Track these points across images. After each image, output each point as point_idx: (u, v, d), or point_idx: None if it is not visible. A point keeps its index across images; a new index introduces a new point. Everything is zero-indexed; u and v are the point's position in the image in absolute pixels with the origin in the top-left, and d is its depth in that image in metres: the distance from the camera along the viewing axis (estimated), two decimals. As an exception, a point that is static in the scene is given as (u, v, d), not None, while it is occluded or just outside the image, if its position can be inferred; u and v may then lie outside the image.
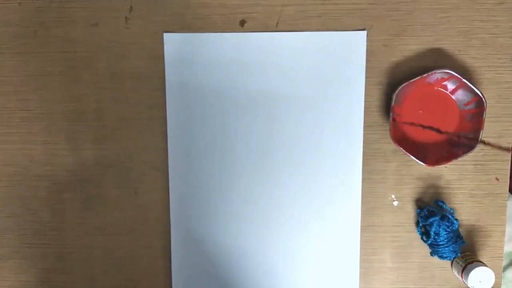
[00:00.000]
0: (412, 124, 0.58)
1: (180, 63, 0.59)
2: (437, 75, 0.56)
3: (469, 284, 0.56)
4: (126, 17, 0.59)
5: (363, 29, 0.58)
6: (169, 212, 0.61)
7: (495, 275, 0.56)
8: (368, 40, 0.58)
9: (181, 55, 0.58)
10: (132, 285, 0.63)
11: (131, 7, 0.58)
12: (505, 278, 0.80)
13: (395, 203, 0.61)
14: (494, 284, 0.56)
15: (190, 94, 0.59)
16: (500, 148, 0.50)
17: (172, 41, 0.58)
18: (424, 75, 0.56)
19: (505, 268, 0.81)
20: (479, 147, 0.57)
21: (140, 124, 0.60)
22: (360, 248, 0.61)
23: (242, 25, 0.58)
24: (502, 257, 0.61)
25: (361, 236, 0.61)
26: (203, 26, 0.58)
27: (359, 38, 0.58)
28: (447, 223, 0.58)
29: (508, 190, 0.60)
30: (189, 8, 0.58)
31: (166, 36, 0.58)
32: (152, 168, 0.61)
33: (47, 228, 0.63)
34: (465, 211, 0.61)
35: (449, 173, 0.60)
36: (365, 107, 0.59)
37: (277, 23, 0.58)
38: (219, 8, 0.58)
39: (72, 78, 0.60)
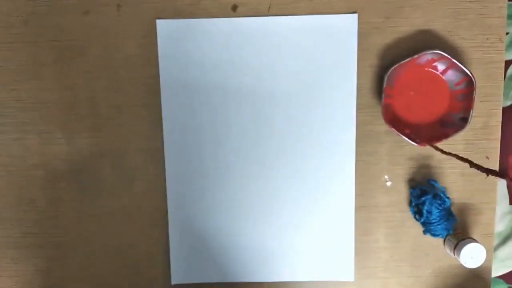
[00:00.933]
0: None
1: (174, 50, 0.59)
2: (427, 56, 0.57)
3: (461, 261, 0.58)
4: (118, 5, 0.59)
5: (354, 12, 0.58)
6: (166, 200, 0.62)
7: (486, 251, 0.58)
8: (359, 23, 0.58)
9: (174, 41, 0.59)
10: (131, 272, 0.64)
11: (122, -6, 0.58)
12: (496, 257, 0.82)
13: (388, 183, 0.62)
14: (485, 260, 0.58)
15: (184, 81, 0.60)
16: (488, 171, 0.52)
17: (165, 28, 0.58)
18: (415, 56, 0.57)
19: (497, 247, 0.83)
20: (470, 126, 0.58)
21: (135, 112, 0.61)
22: (355, 228, 0.62)
23: (234, 10, 0.59)
24: (492, 234, 0.63)
25: (355, 216, 0.62)
26: (195, 12, 0.59)
27: (351, 21, 0.58)
28: (439, 201, 0.59)
29: (498, 167, 0.62)
30: (181, -6, 0.58)
31: (159, 22, 0.58)
32: (148, 156, 0.61)
33: (44, 217, 0.63)
34: (456, 189, 0.62)
35: (440, 153, 0.61)
36: (357, 90, 0.60)
37: (269, 7, 0.58)
38: (211, -6, 0.58)
39: (64, 67, 0.60)
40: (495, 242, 0.80)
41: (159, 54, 0.59)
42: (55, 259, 0.64)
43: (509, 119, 0.72)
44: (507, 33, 0.76)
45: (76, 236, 0.63)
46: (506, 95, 0.80)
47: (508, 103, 0.81)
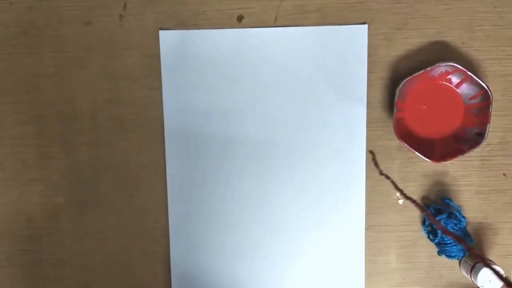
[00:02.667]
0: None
1: (177, 61, 0.57)
2: (441, 68, 0.55)
3: (479, 284, 0.55)
4: (120, 15, 0.57)
5: (364, 23, 0.56)
6: (167, 216, 0.59)
7: (505, 273, 0.55)
8: (369, 34, 0.56)
9: (177, 53, 0.57)
10: (131, 291, 0.61)
11: (125, 4, 0.57)
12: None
13: (400, 201, 0.59)
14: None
15: (187, 93, 0.58)
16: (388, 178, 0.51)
17: (168, 39, 0.57)
18: (428, 68, 0.54)
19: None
20: (486, 142, 0.55)
21: (136, 125, 0.59)
22: (365, 249, 0.59)
23: (239, 21, 0.57)
24: (511, 255, 0.59)
25: (365, 236, 0.59)
26: (199, 22, 0.57)
27: (360, 32, 0.56)
28: (454, 221, 0.56)
29: (516, 185, 0.59)
30: (185, 4, 0.57)
31: (162, 33, 0.57)
32: (149, 171, 0.59)
33: (42, 233, 0.61)
34: (472, 208, 0.59)
35: (455, 169, 0.58)
36: (367, 103, 0.57)
37: (276, 18, 0.57)
38: (216, 4, 0.56)
39: (65, 78, 0.58)
40: None
41: (161, 66, 0.57)
42: (52, 277, 0.61)
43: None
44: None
45: (75, 253, 0.61)
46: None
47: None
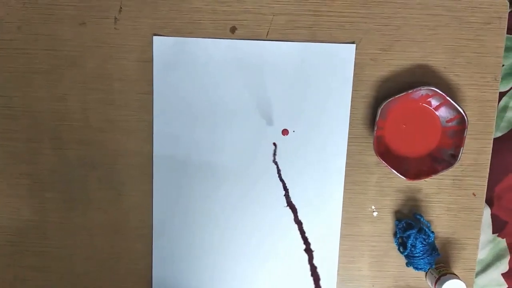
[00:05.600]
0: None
1: (169, 67, 0.58)
2: (422, 91, 0.57)
3: (442, 295, 0.58)
4: (115, 18, 0.58)
5: (353, 43, 0.58)
6: (152, 216, 0.62)
7: (467, 287, 0.58)
8: (356, 54, 0.58)
9: (170, 59, 0.58)
10: (114, 285, 0.63)
11: (121, 8, 0.58)
12: (476, 284, 0.83)
13: (375, 213, 0.62)
14: (465, 295, 0.58)
15: (178, 99, 0.59)
16: None
17: (162, 45, 0.58)
18: (410, 91, 0.57)
19: (477, 274, 0.84)
20: (459, 163, 0.58)
21: (126, 126, 0.60)
22: (339, 256, 0.63)
23: (232, 32, 0.58)
24: (474, 269, 0.63)
25: (340, 244, 0.62)
26: (193, 31, 0.58)
27: (348, 51, 0.58)
28: (423, 236, 0.59)
29: (483, 205, 0.62)
30: (180, 12, 0.58)
31: (156, 39, 0.58)
32: (137, 171, 0.61)
33: (28, 226, 0.62)
34: (441, 223, 0.62)
35: (428, 186, 0.62)
36: (350, 119, 0.60)
37: (268, 31, 0.58)
38: (211, 14, 0.58)
39: (58, 77, 0.59)
40: (476, 269, 0.81)
41: (154, 71, 0.58)
42: (36, 268, 0.63)
43: (498, 150, 0.73)
44: (502, 65, 0.77)
45: (60, 246, 0.63)
46: (496, 126, 0.81)
47: (498, 135, 0.81)
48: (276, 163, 0.58)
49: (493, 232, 0.87)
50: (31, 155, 0.61)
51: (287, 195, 0.60)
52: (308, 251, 0.62)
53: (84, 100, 0.60)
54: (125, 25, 0.58)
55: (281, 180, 0.58)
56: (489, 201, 0.83)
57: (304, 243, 0.62)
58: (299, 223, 0.62)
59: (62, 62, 0.59)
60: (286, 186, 0.55)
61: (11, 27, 0.58)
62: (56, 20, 0.58)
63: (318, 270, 0.63)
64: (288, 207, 0.61)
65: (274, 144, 0.58)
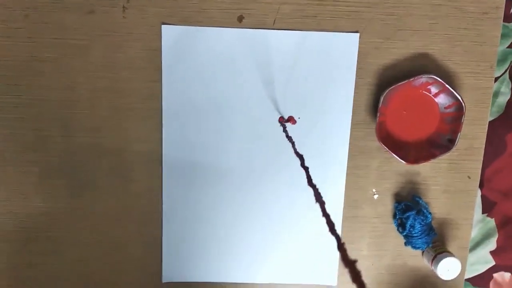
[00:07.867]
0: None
1: (177, 56, 0.59)
2: (422, 79, 0.60)
3: (438, 272, 0.62)
4: (123, 7, 0.58)
5: (356, 32, 0.60)
6: (161, 202, 0.63)
7: (461, 263, 0.62)
8: (360, 42, 0.60)
9: (178, 47, 0.59)
10: (123, 270, 0.65)
11: (129, -4, 0.58)
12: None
13: (376, 196, 0.65)
14: (459, 272, 0.62)
15: (186, 87, 0.60)
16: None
17: (170, 34, 0.59)
18: (411, 79, 0.59)
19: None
20: (455, 147, 0.61)
21: (134, 114, 0.61)
22: (341, 237, 0.65)
23: (240, 21, 0.59)
24: (467, 247, 0.67)
25: (342, 226, 0.65)
26: (202, 19, 0.59)
27: (352, 40, 0.60)
28: (422, 217, 0.62)
29: (477, 187, 0.66)
30: (188, 1, 0.58)
31: (164, 28, 0.58)
32: (146, 158, 0.62)
33: (39, 212, 0.63)
34: (438, 205, 0.66)
35: (426, 170, 0.64)
36: (353, 106, 0.62)
37: (274, 20, 0.59)
38: (219, 3, 0.59)
39: (66, 65, 0.59)
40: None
41: (162, 59, 0.59)
42: (46, 254, 0.64)
43: (488, 135, 0.76)
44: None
45: (70, 232, 0.64)
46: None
47: (489, 119, 0.85)
48: (290, 138, 0.60)
49: (483, 212, 0.92)
50: (40, 143, 0.61)
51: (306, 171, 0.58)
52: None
53: (93, 88, 0.60)
54: (133, 13, 0.58)
55: (298, 155, 0.57)
56: (480, 183, 0.87)
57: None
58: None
59: (70, 51, 0.59)
60: (304, 161, 0.55)
61: (18, 15, 0.58)
62: (63, 9, 0.58)
63: (321, 249, 0.66)
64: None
65: (282, 124, 0.60)
